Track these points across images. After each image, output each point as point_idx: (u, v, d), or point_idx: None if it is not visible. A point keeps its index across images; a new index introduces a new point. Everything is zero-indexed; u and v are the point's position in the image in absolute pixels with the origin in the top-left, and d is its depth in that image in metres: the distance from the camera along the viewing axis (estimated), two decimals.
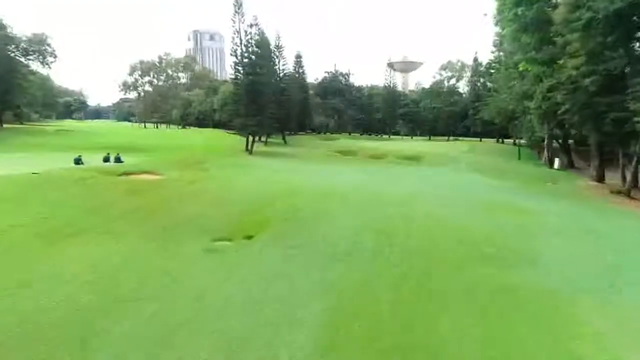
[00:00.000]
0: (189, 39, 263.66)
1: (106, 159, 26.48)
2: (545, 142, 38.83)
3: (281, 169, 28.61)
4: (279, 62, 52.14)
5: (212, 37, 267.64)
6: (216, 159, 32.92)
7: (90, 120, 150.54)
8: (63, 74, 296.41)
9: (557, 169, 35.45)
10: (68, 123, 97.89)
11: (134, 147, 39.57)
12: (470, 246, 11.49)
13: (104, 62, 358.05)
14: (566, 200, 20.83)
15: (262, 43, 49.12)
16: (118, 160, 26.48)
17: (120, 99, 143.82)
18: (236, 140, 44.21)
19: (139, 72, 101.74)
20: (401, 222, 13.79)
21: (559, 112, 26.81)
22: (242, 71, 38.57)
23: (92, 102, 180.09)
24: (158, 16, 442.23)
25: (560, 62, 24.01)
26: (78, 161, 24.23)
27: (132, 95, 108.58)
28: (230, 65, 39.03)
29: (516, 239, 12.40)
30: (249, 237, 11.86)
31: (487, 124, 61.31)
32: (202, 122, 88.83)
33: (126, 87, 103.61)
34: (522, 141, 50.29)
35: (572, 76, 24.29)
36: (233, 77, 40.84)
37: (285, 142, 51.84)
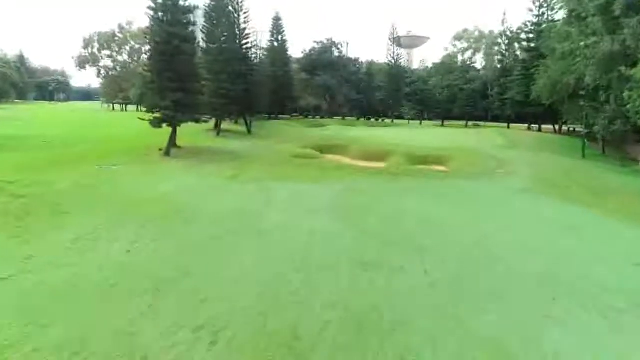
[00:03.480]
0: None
1: None
2: None
3: (149, 217, 12.84)
4: (238, 17, 36.67)
5: None
6: (87, 166, 18.66)
7: (66, 103, 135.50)
8: (53, 55, 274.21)
9: None
10: (18, 106, 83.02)
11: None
12: None
13: None
14: None
15: None
16: None
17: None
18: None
19: (96, 45, 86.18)
20: None
21: None
22: (159, 20, 23.77)
23: (84, 82, 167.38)
24: None
25: None
26: None
27: (92, 72, 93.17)
28: (147, 14, 24.21)
29: None
30: None
31: (521, 105, 46.74)
32: None
33: (82, 62, 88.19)
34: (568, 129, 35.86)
35: None
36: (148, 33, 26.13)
37: (249, 131, 37.31)
